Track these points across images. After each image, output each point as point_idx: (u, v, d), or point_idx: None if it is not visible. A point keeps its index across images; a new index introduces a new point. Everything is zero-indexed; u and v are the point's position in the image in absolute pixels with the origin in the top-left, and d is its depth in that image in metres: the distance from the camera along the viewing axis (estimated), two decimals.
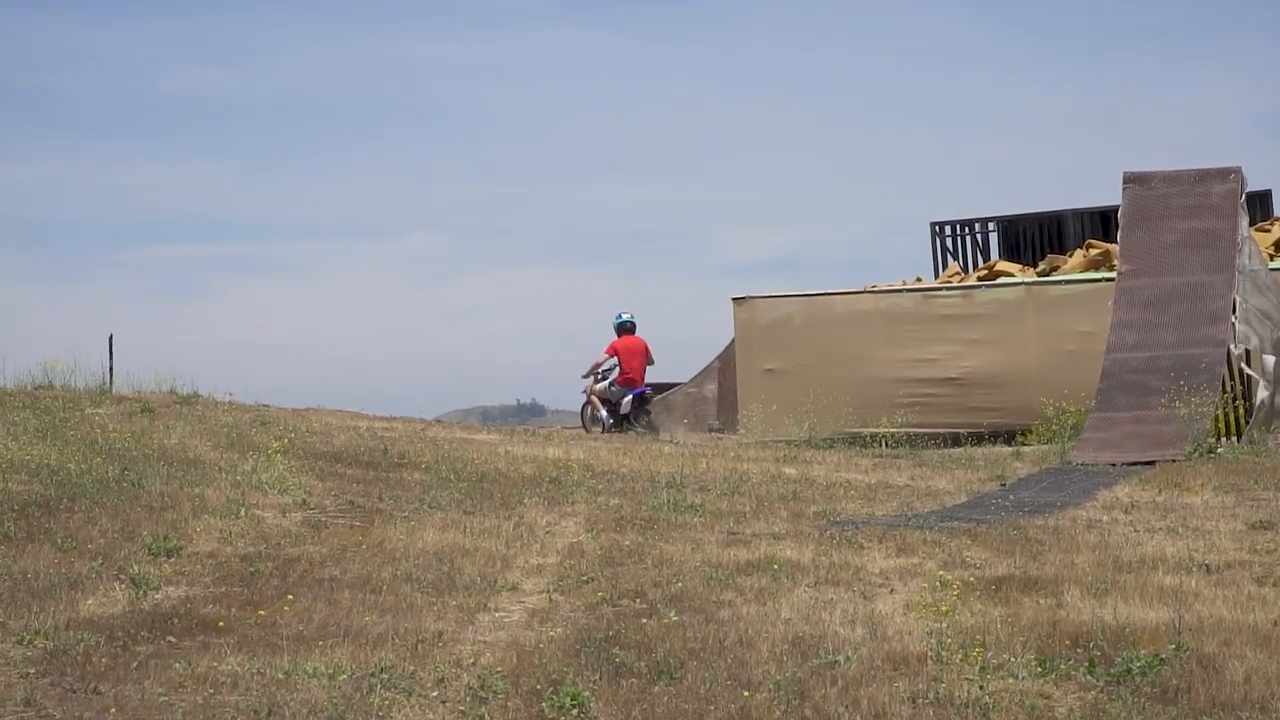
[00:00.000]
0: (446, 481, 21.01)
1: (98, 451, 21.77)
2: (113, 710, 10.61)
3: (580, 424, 32.78)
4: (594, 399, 32.06)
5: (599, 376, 32.18)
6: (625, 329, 32.35)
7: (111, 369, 34.31)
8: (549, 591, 14.82)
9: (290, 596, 13.94)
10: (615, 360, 32.14)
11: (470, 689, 11.40)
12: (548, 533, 17.90)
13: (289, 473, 20.65)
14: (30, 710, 10.61)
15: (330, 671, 11.52)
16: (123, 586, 14.26)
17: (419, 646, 12.44)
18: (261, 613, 13.33)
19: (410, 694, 11.18)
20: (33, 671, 11.41)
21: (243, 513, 17.92)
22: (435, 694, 11.29)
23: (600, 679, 11.68)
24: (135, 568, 14.89)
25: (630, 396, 31.87)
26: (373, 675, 11.50)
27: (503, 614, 13.98)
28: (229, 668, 11.58)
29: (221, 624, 12.95)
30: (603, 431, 31.44)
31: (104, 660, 11.76)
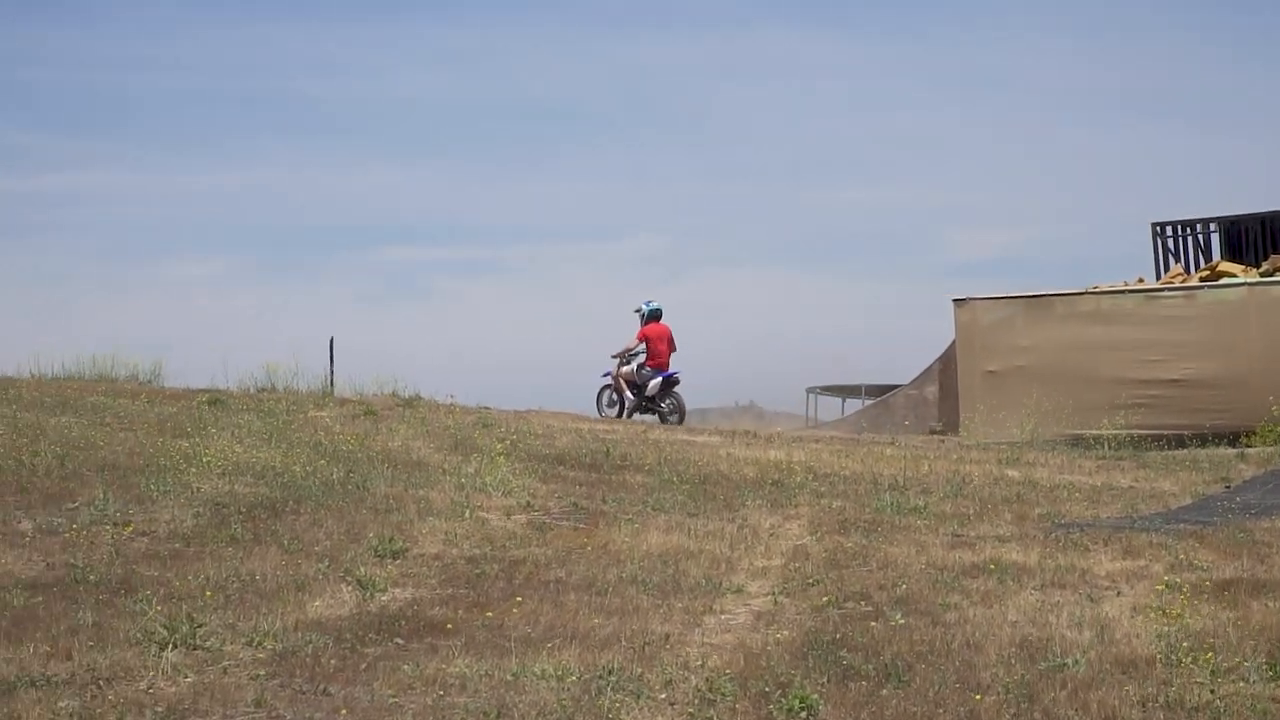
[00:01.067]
0: (669, 484, 20.95)
1: (322, 454, 21.99)
2: (343, 712, 10.62)
3: (597, 410, 33.08)
4: (620, 381, 32.59)
5: (625, 360, 32.75)
6: (653, 316, 32.85)
7: (332, 371, 34.75)
8: (774, 594, 14.68)
9: (518, 599, 13.93)
10: (644, 345, 32.69)
11: (698, 691, 11.28)
12: (771, 535, 17.76)
13: (512, 475, 20.70)
14: (261, 711, 10.66)
15: (558, 673, 11.46)
16: (349, 588, 14.34)
17: (646, 648, 12.35)
18: (488, 615, 13.31)
19: (639, 696, 11.08)
20: (262, 673, 11.47)
21: (467, 515, 17.98)
22: (663, 696, 11.19)
23: (828, 682, 11.52)
24: (362, 570, 14.97)
25: (659, 379, 32.33)
26: (600, 677, 11.41)
27: (728, 616, 13.85)
28: (457, 669, 11.56)
29: (449, 626, 12.95)
30: (621, 413, 32.24)
31: (333, 662, 11.80)
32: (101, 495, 17.80)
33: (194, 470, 19.69)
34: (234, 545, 16.01)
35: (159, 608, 13.06)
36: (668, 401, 32.34)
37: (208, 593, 13.81)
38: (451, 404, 30.92)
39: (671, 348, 32.84)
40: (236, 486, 19.02)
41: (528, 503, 19.04)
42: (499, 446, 22.84)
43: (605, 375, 33.14)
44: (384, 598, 14.12)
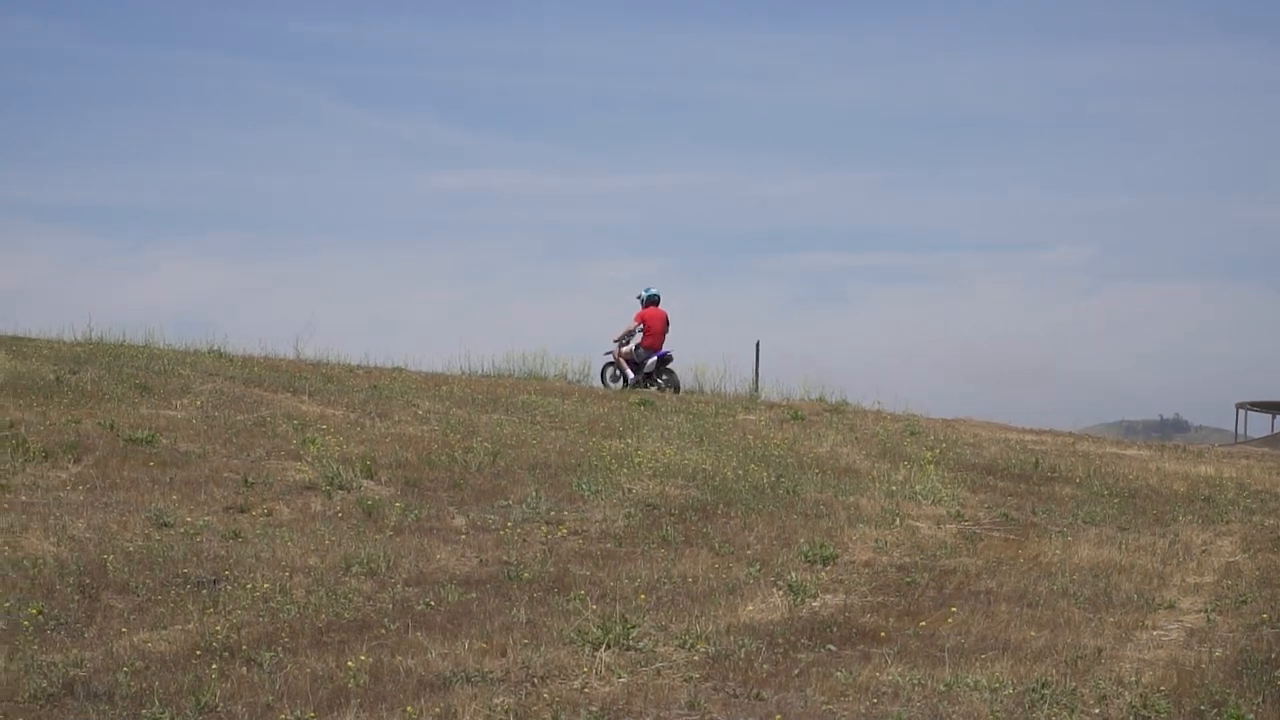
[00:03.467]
0: (1099, 496, 20.58)
1: (751, 457, 22.13)
2: (777, 717, 10.63)
3: (602, 383, 34.38)
4: (621, 360, 34.08)
5: (624, 341, 34.15)
6: (652, 301, 34.21)
7: (758, 374, 34.97)
8: (1206, 611, 14.29)
9: (950, 609, 13.81)
10: (641, 326, 33.94)
11: (1132, 707, 11.03)
12: (1203, 551, 17.32)
13: (941, 484, 20.57)
14: (694, 714, 10.72)
15: (992, 685, 11.33)
16: (781, 593, 14.35)
17: (1078, 662, 12.13)
18: (920, 624, 13.22)
19: (1072, 710, 10.90)
20: (695, 675, 11.53)
21: (897, 522, 17.92)
22: (1097, 711, 10.97)
23: (1263, 702, 11.15)
24: (793, 574, 14.99)
25: (654, 358, 33.80)
26: (1034, 690, 11.26)
27: (1160, 632, 13.53)
28: (890, 678, 11.50)
29: (881, 634, 12.89)
30: (624, 387, 33.54)
31: (765, 666, 11.83)
32: (533, 493, 18.22)
33: (625, 471, 20.01)
34: (665, 547, 16.21)
35: (593, 607, 13.28)
36: (664, 377, 33.85)
37: (640, 594, 13.97)
38: (878, 410, 30.85)
39: (665, 329, 34.04)
40: (667, 488, 19.26)
41: (957, 512, 18.89)
42: (928, 455, 22.72)
43: (607, 354, 34.42)
44: (815, 603, 14.11)
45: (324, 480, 18.29)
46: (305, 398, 25.52)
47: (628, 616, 12.78)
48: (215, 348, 31.83)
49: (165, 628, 12.40)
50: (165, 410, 22.55)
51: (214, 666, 11.27)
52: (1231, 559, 16.89)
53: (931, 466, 21.58)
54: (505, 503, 17.93)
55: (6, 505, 16.10)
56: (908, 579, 15.18)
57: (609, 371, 34.38)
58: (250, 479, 18.05)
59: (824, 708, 10.85)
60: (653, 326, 33.89)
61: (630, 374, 33.88)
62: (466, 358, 35.85)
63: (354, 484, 18.31)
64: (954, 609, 13.78)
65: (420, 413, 24.82)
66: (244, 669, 11.31)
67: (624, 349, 34.06)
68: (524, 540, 16.25)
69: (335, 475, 18.40)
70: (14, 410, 21.11)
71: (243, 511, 16.69)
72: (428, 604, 13.40)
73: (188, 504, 16.76)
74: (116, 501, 16.64)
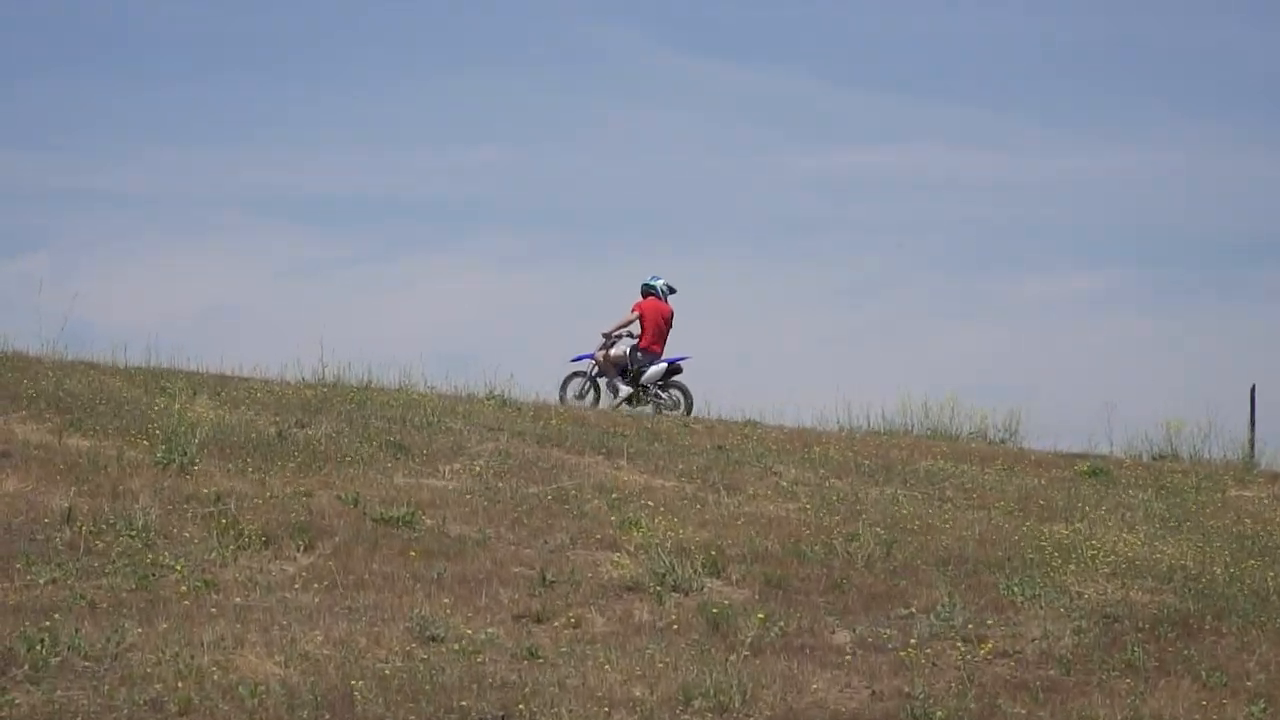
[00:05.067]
0: None
1: (1249, 550, 21.75)
2: None
3: (560, 398, 34.33)
4: (608, 366, 34.38)
5: (612, 341, 34.72)
6: (656, 291, 35.01)
7: (1254, 434, 34.21)
8: None
9: None
10: (638, 320, 34.76)
11: None
12: None
13: None
14: None
15: None
16: None
17: None
18: None
19: None
20: None
21: None
22: None
23: None
24: None
25: (661, 366, 34.38)
26: None
27: None
28: None
29: None
30: (598, 402, 34.06)
31: None
32: (945, 599, 18.05)
33: (1072, 568, 19.80)
34: (1131, 675, 15.99)
35: None
36: (670, 393, 34.27)
37: None
38: None
39: (669, 329, 34.86)
40: (1132, 592, 19.04)
41: None
42: None
43: (577, 360, 34.93)
44: None
45: (651, 578, 18.37)
46: (623, 462, 25.76)
47: None
48: (496, 392, 32.09)
49: None
50: (429, 479, 22.84)
51: None
52: None
53: None
54: (905, 611, 17.88)
55: (214, 610, 16.30)
56: None
57: (573, 384, 34.77)
58: (549, 576, 18.16)
59: None
60: (655, 323, 34.71)
61: (620, 385, 34.36)
62: (846, 408, 35.66)
63: (694, 584, 18.38)
64: None
65: (784, 484, 24.91)
66: None
67: (612, 352, 34.65)
68: (933, 664, 16.18)
69: (667, 571, 18.47)
70: (221, 478, 21.44)
71: (540, 621, 16.81)
72: None
73: (463, 610, 16.86)
74: (365, 606, 16.80)
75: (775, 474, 25.73)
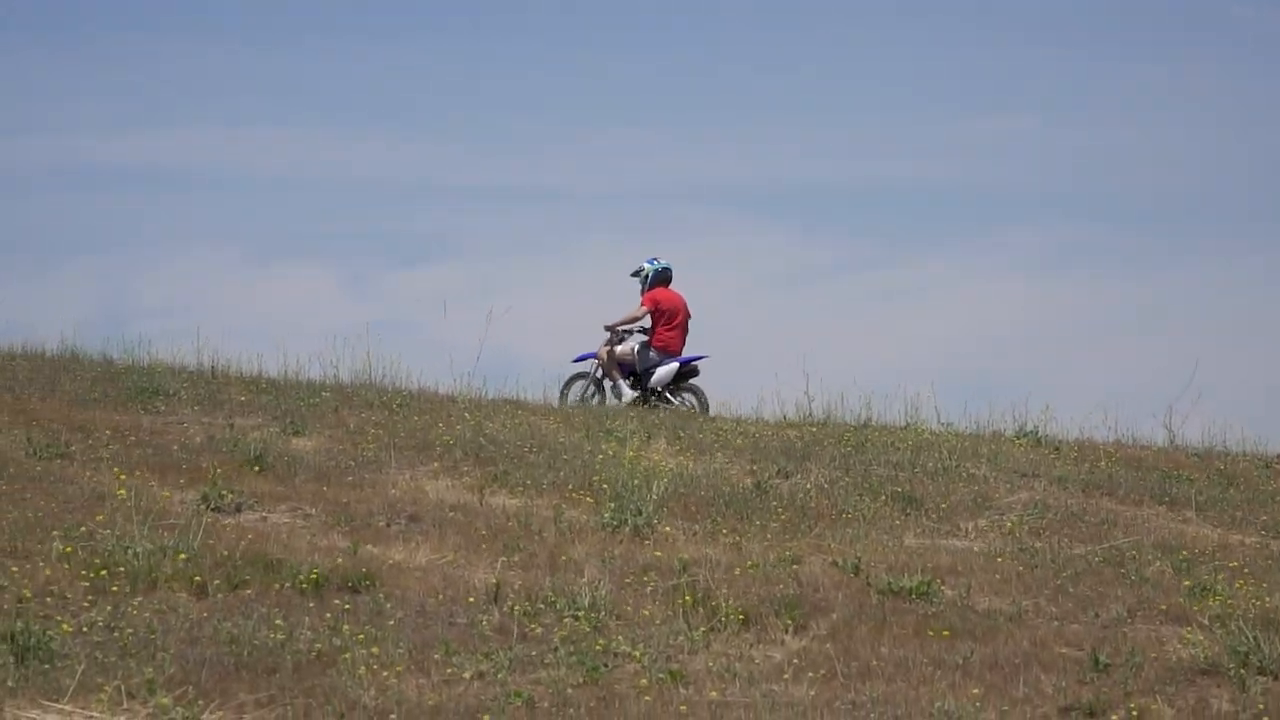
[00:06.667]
0: None
1: None
2: None
3: (560, 400, 35.88)
4: (612, 365, 35.92)
5: (619, 337, 36.26)
6: (661, 279, 36.45)
7: None
8: None
9: None
10: (649, 312, 36.23)
11: None
12: None
13: None
14: None
15: None
16: None
17: None
18: None
19: None
20: None
21: None
22: None
23: None
24: None
25: (673, 365, 35.71)
26: None
27: None
28: None
29: None
30: (606, 403, 35.38)
31: None
32: None
33: None
34: None
35: None
36: (683, 396, 35.63)
37: None
38: None
39: (688, 322, 36.33)
40: None
41: None
42: None
43: (579, 360, 36.57)
44: None
45: (1232, 658, 17.77)
46: (1190, 514, 25.49)
47: None
48: (1029, 428, 31.92)
49: None
50: (948, 539, 22.88)
51: None
52: None
53: None
54: None
55: (684, 707, 15.92)
56: None
57: (575, 386, 36.29)
58: (1103, 658, 17.66)
59: None
60: (671, 317, 36.09)
61: (625, 387, 35.57)
62: None
63: None
64: None
65: None
66: None
67: (619, 349, 36.05)
68: None
69: (1251, 650, 17.80)
70: (686, 542, 21.80)
71: (1092, 715, 16.39)
72: None
73: (997, 702, 16.44)
74: (873, 699, 16.37)
75: None
